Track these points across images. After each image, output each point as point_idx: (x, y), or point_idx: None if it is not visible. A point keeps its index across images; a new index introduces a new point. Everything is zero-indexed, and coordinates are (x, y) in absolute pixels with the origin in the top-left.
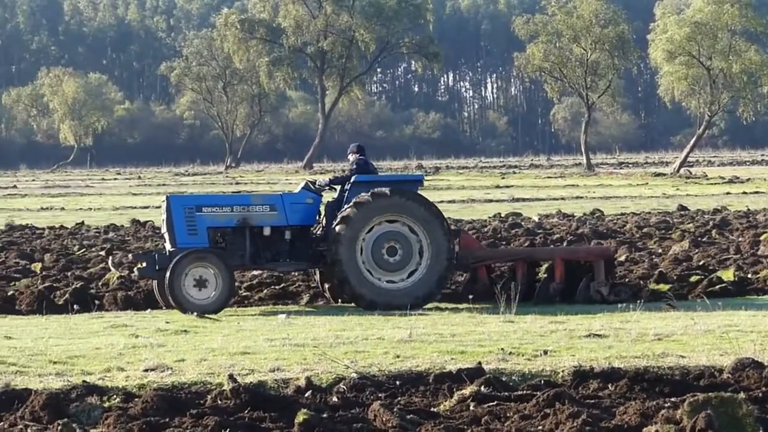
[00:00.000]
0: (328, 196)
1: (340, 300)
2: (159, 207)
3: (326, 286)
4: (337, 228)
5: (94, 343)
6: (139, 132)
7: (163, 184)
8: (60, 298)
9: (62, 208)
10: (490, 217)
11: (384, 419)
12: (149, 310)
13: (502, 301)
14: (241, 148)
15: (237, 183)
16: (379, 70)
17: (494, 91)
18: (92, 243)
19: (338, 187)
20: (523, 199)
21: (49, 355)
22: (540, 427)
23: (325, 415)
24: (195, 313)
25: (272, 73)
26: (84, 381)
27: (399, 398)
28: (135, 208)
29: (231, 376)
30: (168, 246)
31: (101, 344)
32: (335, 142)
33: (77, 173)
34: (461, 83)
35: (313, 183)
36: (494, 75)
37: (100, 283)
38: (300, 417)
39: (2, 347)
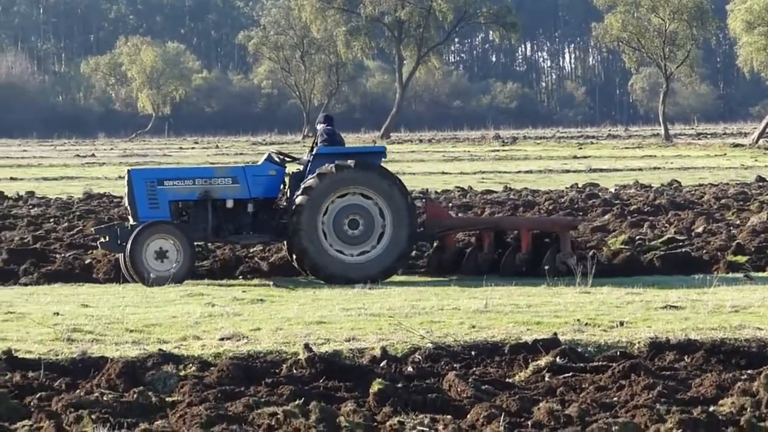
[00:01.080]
0: (292, 168)
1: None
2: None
3: (293, 257)
4: (299, 198)
5: (171, 311)
6: (216, 101)
7: (241, 153)
8: None
9: None
10: (567, 188)
11: (459, 389)
12: (225, 279)
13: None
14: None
15: None
16: (456, 39)
17: (572, 61)
18: None
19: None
20: (601, 170)
21: (126, 323)
22: (615, 399)
23: (399, 385)
24: (156, 285)
25: (350, 43)
26: (160, 349)
27: (474, 369)
28: None
29: (306, 346)
30: (130, 220)
31: (177, 313)
32: (412, 112)
33: (155, 142)
34: (539, 53)
35: (279, 154)
36: (572, 45)
37: None
38: (375, 387)
39: (79, 315)
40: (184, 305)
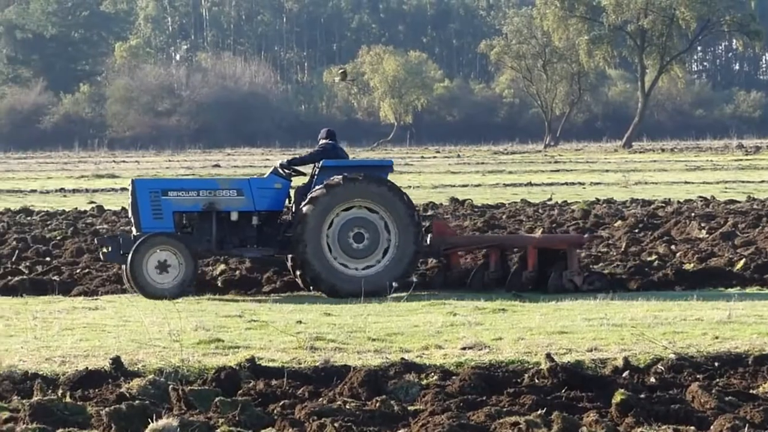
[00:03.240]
0: (298, 182)
1: (312, 287)
2: (477, 185)
3: (298, 273)
4: (305, 209)
5: (413, 320)
6: (458, 110)
7: (482, 163)
8: None
9: None
10: None
11: (702, 401)
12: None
13: None
14: (560, 126)
15: (555, 162)
16: (699, 48)
17: None
18: None
19: (309, 172)
20: None
21: (368, 332)
22: None
23: (642, 396)
24: (155, 298)
25: (592, 52)
26: (402, 358)
27: (717, 380)
28: (454, 186)
29: (548, 356)
30: (134, 230)
31: (419, 322)
32: (654, 121)
33: (396, 151)
34: None
35: (285, 165)
36: None
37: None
38: (617, 397)
39: (322, 324)
40: (425, 314)
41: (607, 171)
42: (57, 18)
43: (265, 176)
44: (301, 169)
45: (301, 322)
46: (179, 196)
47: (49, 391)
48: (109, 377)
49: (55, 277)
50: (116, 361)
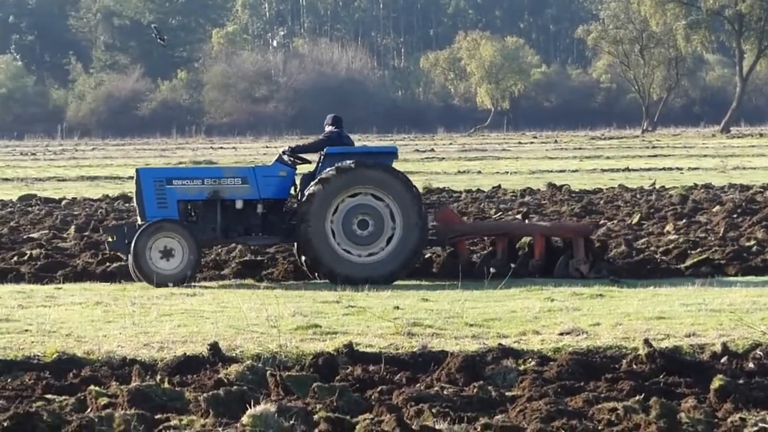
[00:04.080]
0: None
1: (312, 271)
2: (575, 170)
3: (303, 259)
4: (313, 188)
5: (510, 306)
6: (555, 95)
7: (579, 148)
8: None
9: (479, 172)
10: None
11: None
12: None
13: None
14: (657, 111)
15: (653, 147)
16: None
17: None
18: (508, 206)
19: (315, 159)
20: None
21: (465, 317)
22: None
23: (741, 382)
24: (160, 285)
25: (689, 36)
26: (500, 344)
27: None
28: (551, 171)
29: (646, 341)
30: (138, 219)
31: (517, 307)
32: (752, 106)
33: (494, 137)
34: None
35: (288, 152)
36: None
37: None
38: (716, 383)
39: (419, 309)
40: (523, 300)
41: (705, 156)
42: (154, 5)
43: (269, 164)
44: (306, 156)
45: (398, 307)
46: (184, 185)
47: (148, 377)
48: (207, 363)
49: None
50: (214, 346)
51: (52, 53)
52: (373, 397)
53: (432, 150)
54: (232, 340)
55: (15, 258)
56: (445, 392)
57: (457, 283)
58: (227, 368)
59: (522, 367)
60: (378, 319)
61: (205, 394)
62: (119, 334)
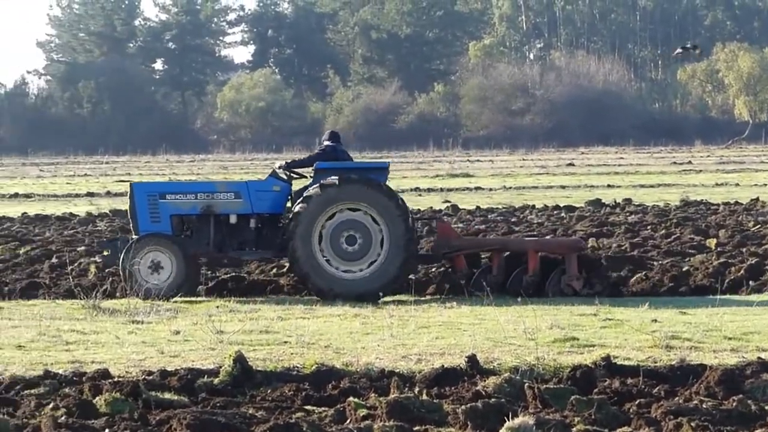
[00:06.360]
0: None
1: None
2: None
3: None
4: (298, 207)
5: None
6: None
7: None
8: (733, 275)
9: (737, 184)
10: None
11: None
12: None
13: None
14: None
15: None
16: None
17: None
18: (767, 219)
19: (308, 174)
20: None
21: (724, 331)
22: None
23: None
24: (149, 298)
25: None
26: (759, 357)
27: None
28: None
29: None
30: (133, 234)
31: None
32: None
33: (752, 149)
34: None
35: (284, 168)
36: None
37: None
38: None
39: (677, 322)
40: None
41: None
42: (412, 18)
43: (263, 179)
44: (301, 171)
45: (656, 320)
46: (177, 200)
47: (406, 389)
48: (464, 375)
49: (411, 276)
50: (472, 359)
51: (309, 67)
52: (631, 410)
53: (689, 162)
54: (489, 353)
55: (274, 270)
56: (704, 406)
57: (715, 297)
58: (485, 380)
59: None
60: (636, 332)
61: (463, 407)
62: (377, 346)
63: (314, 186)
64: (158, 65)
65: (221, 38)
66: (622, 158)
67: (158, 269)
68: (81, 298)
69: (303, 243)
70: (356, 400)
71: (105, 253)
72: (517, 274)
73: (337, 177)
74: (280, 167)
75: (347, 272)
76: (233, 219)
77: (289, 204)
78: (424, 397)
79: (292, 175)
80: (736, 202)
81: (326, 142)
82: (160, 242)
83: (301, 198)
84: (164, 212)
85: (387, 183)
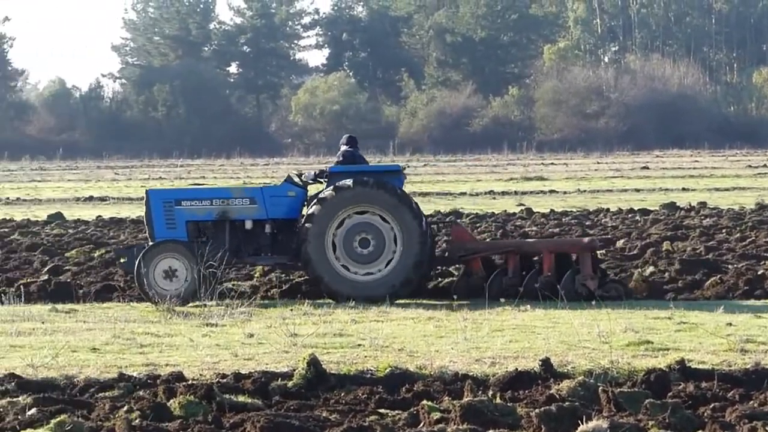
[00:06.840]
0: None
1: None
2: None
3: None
4: (312, 209)
5: None
6: None
7: None
8: None
9: None
10: None
11: None
12: None
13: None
14: None
15: None
16: None
17: None
18: None
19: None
20: None
21: None
22: None
23: None
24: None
25: None
26: None
27: None
28: None
29: None
30: (149, 240)
31: None
32: None
33: None
34: None
35: (299, 175)
36: None
37: None
38: None
39: (752, 326)
40: None
41: None
42: (486, 21)
43: (278, 185)
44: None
45: (731, 324)
46: (192, 206)
47: (480, 392)
48: (538, 378)
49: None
50: (546, 362)
51: (384, 70)
52: (705, 414)
53: (764, 166)
54: (563, 356)
55: None
56: None
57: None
58: (559, 384)
59: None
60: (710, 336)
61: (537, 410)
62: (451, 350)
63: (328, 189)
64: (233, 69)
65: (296, 42)
66: (696, 161)
67: (173, 276)
68: (155, 302)
69: (315, 246)
70: (430, 403)
71: (122, 260)
72: (531, 275)
73: (351, 180)
74: (301, 175)
75: (361, 275)
76: (249, 225)
77: (305, 210)
78: (498, 400)
79: (307, 180)
80: None
81: (344, 147)
82: (175, 249)
83: (316, 200)
84: (180, 219)
85: (403, 187)
